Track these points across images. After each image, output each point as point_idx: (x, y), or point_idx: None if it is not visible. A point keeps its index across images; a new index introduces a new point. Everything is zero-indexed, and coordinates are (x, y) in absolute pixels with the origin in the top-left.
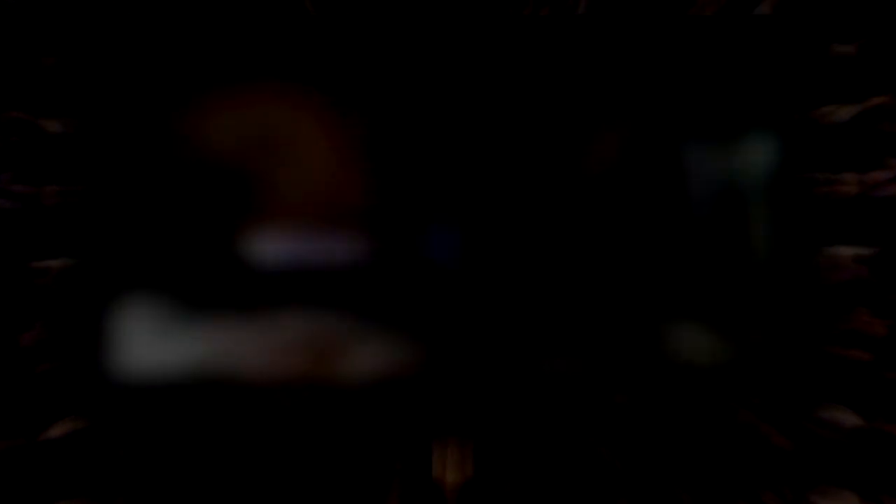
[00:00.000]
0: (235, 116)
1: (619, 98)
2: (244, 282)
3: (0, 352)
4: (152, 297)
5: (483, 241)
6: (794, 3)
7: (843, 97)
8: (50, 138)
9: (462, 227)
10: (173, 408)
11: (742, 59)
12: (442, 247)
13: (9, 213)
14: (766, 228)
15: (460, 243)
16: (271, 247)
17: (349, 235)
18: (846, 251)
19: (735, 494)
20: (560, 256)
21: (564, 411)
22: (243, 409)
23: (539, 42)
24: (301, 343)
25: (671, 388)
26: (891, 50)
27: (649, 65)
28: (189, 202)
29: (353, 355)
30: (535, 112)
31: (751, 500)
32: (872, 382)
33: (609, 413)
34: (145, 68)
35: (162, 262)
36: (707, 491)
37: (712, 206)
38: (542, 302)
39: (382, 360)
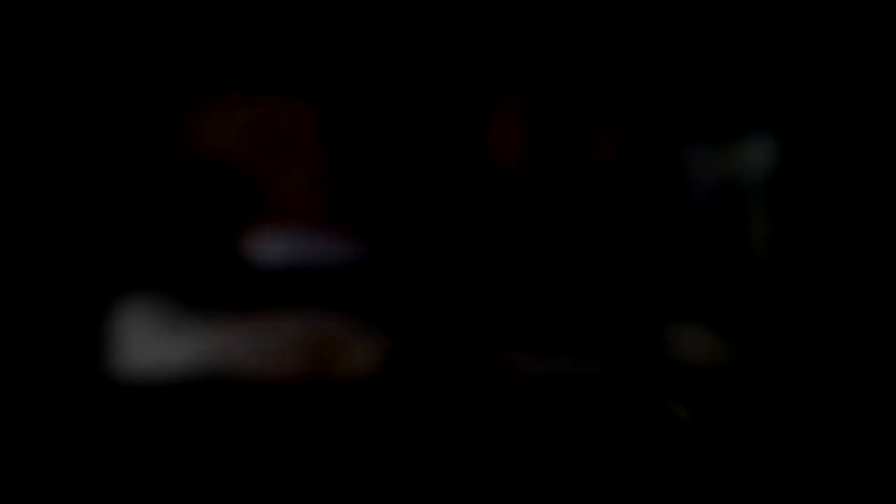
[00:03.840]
0: (235, 117)
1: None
2: (244, 282)
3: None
4: (152, 297)
5: (474, 237)
6: None
7: None
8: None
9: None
10: (173, 407)
11: None
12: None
13: None
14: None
15: (462, 240)
16: (270, 247)
17: (347, 235)
18: None
19: None
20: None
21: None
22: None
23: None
24: (300, 342)
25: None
26: None
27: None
28: (186, 202)
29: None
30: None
31: None
32: None
33: None
34: (143, 67)
35: (161, 262)
36: None
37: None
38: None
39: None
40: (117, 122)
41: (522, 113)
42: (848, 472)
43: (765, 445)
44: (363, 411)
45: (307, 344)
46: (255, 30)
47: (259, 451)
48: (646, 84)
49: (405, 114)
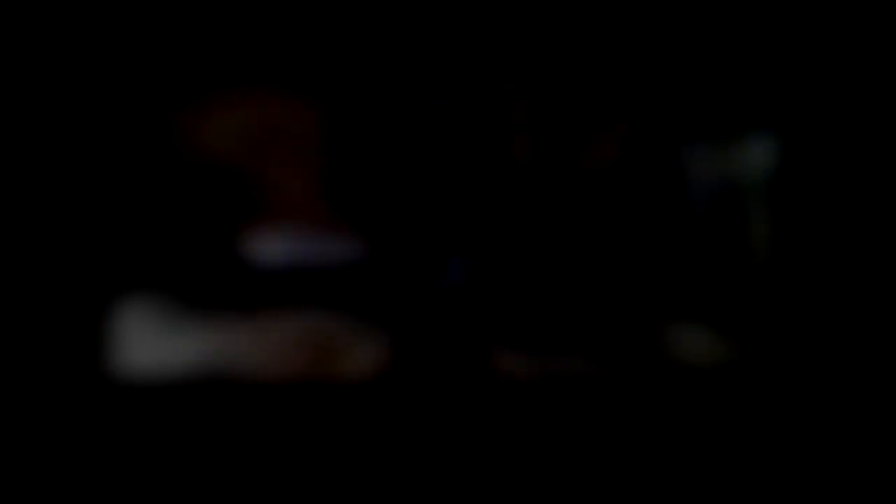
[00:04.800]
0: (235, 117)
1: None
2: (244, 282)
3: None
4: (152, 297)
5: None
6: None
7: None
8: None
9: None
10: (173, 407)
11: None
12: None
13: None
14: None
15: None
16: (270, 247)
17: (347, 235)
18: None
19: None
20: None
21: None
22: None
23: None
24: (300, 341)
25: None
26: None
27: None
28: (187, 202)
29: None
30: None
31: None
32: None
33: None
34: (143, 67)
35: (161, 262)
36: None
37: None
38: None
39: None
40: (118, 123)
41: (522, 114)
42: (848, 472)
43: (765, 445)
44: (363, 411)
45: (307, 344)
46: (255, 30)
47: (259, 451)
48: (646, 84)
49: (404, 115)
